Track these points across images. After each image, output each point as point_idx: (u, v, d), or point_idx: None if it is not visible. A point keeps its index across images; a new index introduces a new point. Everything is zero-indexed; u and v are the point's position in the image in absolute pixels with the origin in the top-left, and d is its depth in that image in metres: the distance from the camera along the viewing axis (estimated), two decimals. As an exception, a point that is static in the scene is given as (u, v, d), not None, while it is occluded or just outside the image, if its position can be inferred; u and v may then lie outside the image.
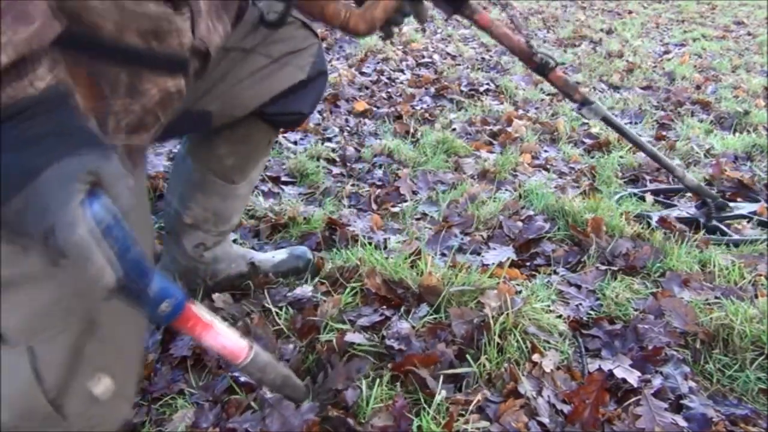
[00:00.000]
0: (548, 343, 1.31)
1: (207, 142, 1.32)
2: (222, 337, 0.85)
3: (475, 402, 1.12)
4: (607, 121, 1.90)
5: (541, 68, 1.73)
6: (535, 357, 1.24)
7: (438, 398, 1.13)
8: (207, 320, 0.83)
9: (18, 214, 0.61)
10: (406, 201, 2.07)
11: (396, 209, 1.99)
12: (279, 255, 1.57)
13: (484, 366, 1.21)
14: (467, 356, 1.23)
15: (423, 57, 4.35)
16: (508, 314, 1.30)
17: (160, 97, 0.83)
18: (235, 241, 1.69)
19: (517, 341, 1.27)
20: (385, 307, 1.40)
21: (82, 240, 0.60)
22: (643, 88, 3.86)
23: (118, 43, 0.75)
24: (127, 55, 0.77)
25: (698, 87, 3.91)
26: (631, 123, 3.18)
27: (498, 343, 1.26)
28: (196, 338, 0.82)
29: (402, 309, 1.39)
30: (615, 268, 1.65)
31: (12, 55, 0.58)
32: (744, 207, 2.12)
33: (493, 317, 1.28)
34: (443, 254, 1.67)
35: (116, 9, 0.73)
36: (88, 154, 0.63)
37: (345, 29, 1.51)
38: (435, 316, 1.36)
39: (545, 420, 1.11)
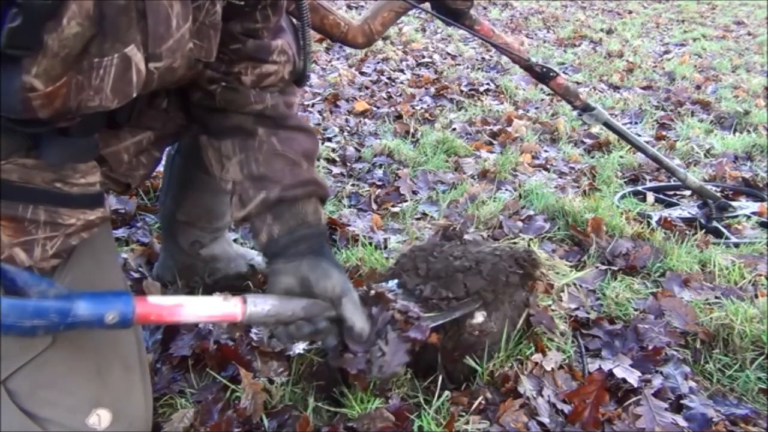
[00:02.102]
0: (552, 341, 1.31)
1: (195, 139, 1.32)
2: (202, 309, 0.84)
3: (477, 403, 1.12)
4: (608, 126, 1.90)
5: (543, 76, 1.74)
6: (536, 357, 1.24)
7: (441, 398, 1.13)
8: (173, 303, 0.82)
9: None
10: (406, 201, 2.07)
11: (396, 209, 1.99)
12: (280, 257, 1.56)
13: (487, 366, 1.21)
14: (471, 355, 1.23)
15: (423, 57, 4.35)
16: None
17: (82, 225, 0.87)
18: (235, 240, 1.68)
19: (526, 339, 1.28)
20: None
21: None
22: (643, 88, 3.86)
23: (28, 185, 0.81)
24: (38, 195, 0.82)
25: (698, 87, 3.91)
26: (631, 123, 3.18)
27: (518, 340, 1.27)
28: (175, 323, 0.83)
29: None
30: (615, 268, 1.65)
31: None
32: (748, 206, 2.12)
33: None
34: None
35: (18, 168, 0.79)
36: None
37: (344, 41, 1.52)
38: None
39: (545, 420, 1.11)
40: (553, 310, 1.41)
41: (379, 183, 2.22)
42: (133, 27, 0.74)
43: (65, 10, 0.67)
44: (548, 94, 3.49)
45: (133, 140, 0.93)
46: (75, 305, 0.73)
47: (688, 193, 2.24)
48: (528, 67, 1.76)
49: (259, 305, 0.90)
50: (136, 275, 1.49)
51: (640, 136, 2.84)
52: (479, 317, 1.20)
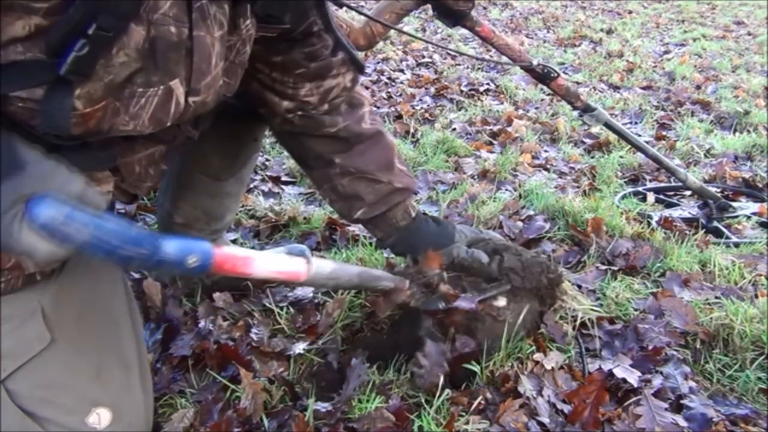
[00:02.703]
0: (553, 342, 1.31)
1: (192, 141, 1.32)
2: (270, 264, 0.87)
3: (477, 403, 1.12)
4: (609, 126, 1.90)
5: (544, 76, 1.74)
6: (537, 356, 1.24)
7: (441, 398, 1.13)
8: (244, 255, 0.85)
9: None
10: (406, 201, 2.06)
11: (396, 209, 1.99)
12: (278, 255, 1.56)
13: (486, 365, 1.21)
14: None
15: (423, 57, 4.35)
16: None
17: None
18: (235, 241, 1.69)
19: (527, 338, 1.28)
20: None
21: (19, 242, 0.68)
22: (643, 88, 3.86)
23: None
24: None
25: (698, 87, 3.91)
26: (631, 123, 3.18)
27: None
28: (245, 275, 0.85)
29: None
30: (615, 268, 1.65)
31: None
32: (748, 207, 2.12)
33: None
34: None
35: None
36: (9, 182, 0.67)
37: None
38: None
39: (545, 420, 1.11)
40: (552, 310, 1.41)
41: (379, 183, 2.21)
42: (181, 63, 0.79)
43: (116, 40, 0.71)
44: (548, 94, 3.49)
45: (146, 152, 0.94)
46: (164, 242, 0.74)
47: (688, 193, 2.24)
48: (528, 68, 1.76)
49: (321, 267, 0.96)
50: (137, 275, 1.49)
51: (640, 136, 2.84)
52: (501, 301, 1.23)
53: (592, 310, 1.39)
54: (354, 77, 1.16)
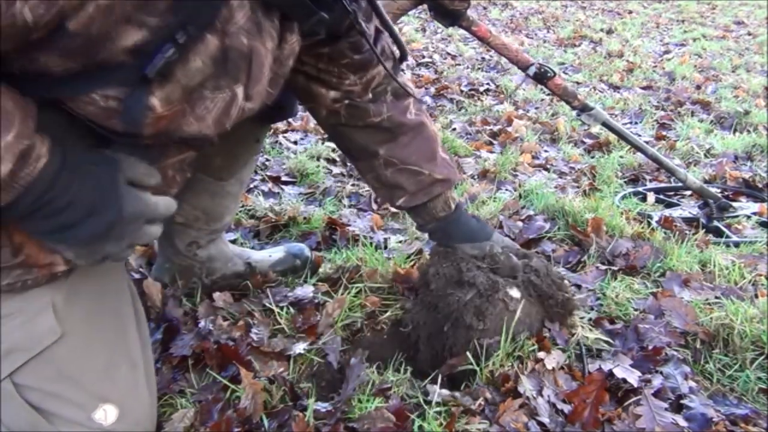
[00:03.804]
0: (554, 343, 1.31)
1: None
2: None
3: (477, 404, 1.12)
4: (607, 126, 1.90)
5: (540, 76, 1.74)
6: (541, 354, 1.24)
7: (438, 398, 1.13)
8: None
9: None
10: (406, 201, 2.06)
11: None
12: (276, 254, 1.57)
13: (486, 365, 1.21)
14: (468, 354, 1.23)
15: (423, 57, 4.35)
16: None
17: None
18: (234, 241, 1.69)
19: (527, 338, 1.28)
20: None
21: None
22: (643, 88, 3.86)
23: None
24: None
25: (698, 87, 3.91)
26: (631, 123, 3.18)
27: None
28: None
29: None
30: (615, 268, 1.65)
31: (10, 159, 0.67)
32: (748, 207, 2.13)
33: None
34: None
35: None
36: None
37: None
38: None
39: (545, 420, 1.11)
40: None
41: (379, 183, 2.21)
42: (244, 70, 0.83)
43: (192, 47, 0.75)
44: (548, 94, 3.50)
45: (177, 158, 0.95)
46: None
47: (688, 193, 2.24)
48: (526, 67, 1.75)
49: None
50: (137, 276, 1.49)
51: (639, 136, 2.84)
52: (516, 292, 1.24)
53: (599, 339, 1.37)
54: (394, 65, 1.19)
